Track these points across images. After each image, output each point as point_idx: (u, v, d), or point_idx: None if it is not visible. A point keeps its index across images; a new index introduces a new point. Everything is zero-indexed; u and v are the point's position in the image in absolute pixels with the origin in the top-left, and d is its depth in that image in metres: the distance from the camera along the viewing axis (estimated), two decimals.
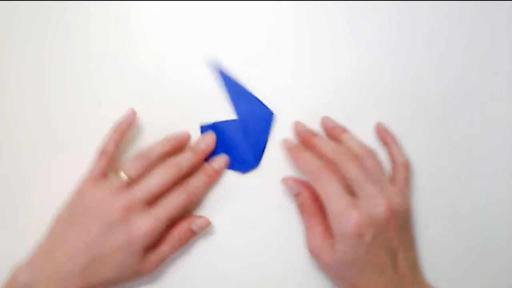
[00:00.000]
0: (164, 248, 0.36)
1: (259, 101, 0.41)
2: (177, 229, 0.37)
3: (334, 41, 0.42)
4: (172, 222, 0.37)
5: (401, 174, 0.38)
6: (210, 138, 0.39)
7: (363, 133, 0.40)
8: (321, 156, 0.37)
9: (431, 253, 0.39)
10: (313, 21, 0.42)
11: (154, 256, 0.36)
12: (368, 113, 0.41)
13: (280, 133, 0.40)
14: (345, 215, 0.33)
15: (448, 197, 0.40)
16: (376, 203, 0.34)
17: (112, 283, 0.35)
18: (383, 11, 0.43)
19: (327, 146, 0.37)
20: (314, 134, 0.39)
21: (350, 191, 0.35)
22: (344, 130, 0.39)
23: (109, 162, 0.37)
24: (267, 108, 0.40)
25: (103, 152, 0.37)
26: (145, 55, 0.42)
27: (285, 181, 0.39)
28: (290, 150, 0.39)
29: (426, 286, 0.36)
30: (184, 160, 0.38)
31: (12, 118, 0.41)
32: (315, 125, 0.40)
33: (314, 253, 0.36)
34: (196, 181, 0.38)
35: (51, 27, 0.42)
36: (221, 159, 0.39)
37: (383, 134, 0.40)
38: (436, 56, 0.42)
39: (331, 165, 0.36)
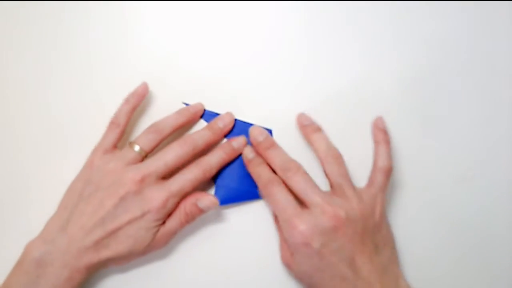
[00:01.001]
0: (172, 222, 0.36)
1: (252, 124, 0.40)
2: (184, 204, 0.36)
3: (333, 44, 0.42)
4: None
5: (379, 179, 0.37)
6: (229, 119, 0.39)
7: (361, 134, 0.40)
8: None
9: (431, 253, 0.39)
10: (312, 22, 0.43)
11: (164, 230, 0.36)
12: (366, 115, 0.40)
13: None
14: (291, 225, 0.34)
15: (448, 198, 0.40)
16: (320, 212, 0.34)
17: (123, 257, 0.35)
18: (383, 11, 0.43)
19: (275, 158, 0.37)
20: (268, 146, 0.38)
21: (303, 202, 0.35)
22: (316, 129, 0.39)
23: (121, 134, 0.37)
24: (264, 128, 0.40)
25: (115, 124, 0.37)
26: (145, 55, 0.42)
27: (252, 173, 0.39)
28: (248, 162, 0.38)
29: (402, 286, 0.36)
30: (200, 137, 0.37)
31: (13, 118, 0.41)
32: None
33: (285, 265, 0.37)
34: (213, 158, 0.37)
35: (51, 27, 0.42)
36: (241, 139, 0.39)
37: (377, 131, 0.39)
38: (436, 56, 0.42)
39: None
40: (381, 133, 0.39)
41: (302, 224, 0.33)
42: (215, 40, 0.42)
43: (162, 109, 0.40)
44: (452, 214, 0.40)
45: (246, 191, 0.39)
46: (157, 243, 0.36)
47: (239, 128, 0.40)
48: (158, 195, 0.35)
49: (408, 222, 0.40)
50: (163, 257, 0.39)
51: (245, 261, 0.39)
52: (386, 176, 0.37)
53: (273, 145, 0.38)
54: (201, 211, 0.37)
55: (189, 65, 0.42)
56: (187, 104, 0.40)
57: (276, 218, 0.38)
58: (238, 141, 0.39)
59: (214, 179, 0.39)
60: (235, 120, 0.40)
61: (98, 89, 0.41)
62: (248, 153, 0.38)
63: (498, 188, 0.40)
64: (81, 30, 0.42)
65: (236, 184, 0.39)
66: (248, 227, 0.39)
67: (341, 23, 0.42)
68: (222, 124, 0.39)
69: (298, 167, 0.36)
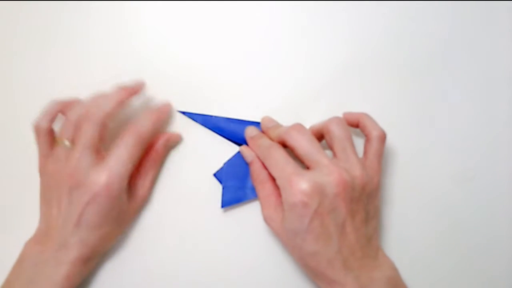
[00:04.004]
0: (145, 181, 0.38)
1: (248, 121, 0.40)
2: (148, 156, 0.38)
3: (329, 43, 0.42)
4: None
5: (374, 147, 0.36)
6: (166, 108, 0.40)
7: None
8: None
9: (431, 254, 0.39)
10: (303, 21, 0.43)
11: (139, 191, 0.38)
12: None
13: None
14: (290, 183, 0.33)
15: (448, 198, 0.40)
16: (325, 172, 0.33)
17: (113, 233, 0.37)
18: (382, 11, 0.43)
19: (282, 127, 0.37)
20: (277, 126, 0.39)
21: (305, 166, 0.35)
22: (277, 127, 0.38)
23: (50, 136, 0.37)
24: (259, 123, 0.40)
25: (40, 130, 0.37)
26: (145, 54, 0.42)
27: (241, 149, 0.39)
28: (250, 139, 0.39)
29: (383, 261, 0.35)
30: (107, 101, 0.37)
31: (13, 118, 0.41)
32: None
33: (267, 221, 0.37)
34: (143, 120, 0.37)
35: (51, 27, 0.42)
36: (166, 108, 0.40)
37: (353, 116, 0.38)
38: (436, 56, 0.42)
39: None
40: (357, 115, 0.38)
41: (304, 183, 0.33)
42: (214, 40, 0.42)
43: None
44: (452, 214, 0.40)
45: (253, 188, 0.39)
46: (137, 203, 0.38)
47: (242, 128, 0.40)
48: (99, 178, 0.34)
49: (407, 223, 0.40)
50: (162, 257, 0.39)
51: (245, 260, 0.39)
52: (382, 143, 0.37)
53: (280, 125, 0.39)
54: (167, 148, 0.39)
55: (189, 65, 0.42)
56: (183, 112, 0.41)
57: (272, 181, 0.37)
58: (164, 109, 0.40)
59: (220, 180, 0.39)
60: (238, 120, 0.40)
61: (99, 88, 0.41)
62: (251, 132, 0.39)
63: (498, 189, 0.40)
64: (81, 30, 0.42)
65: (243, 182, 0.39)
66: (248, 227, 0.39)
67: (335, 22, 0.43)
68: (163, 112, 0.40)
69: (305, 130, 0.36)
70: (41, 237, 0.36)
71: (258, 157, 0.38)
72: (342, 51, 0.42)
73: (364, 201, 0.35)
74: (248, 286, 0.38)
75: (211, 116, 0.41)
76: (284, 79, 0.42)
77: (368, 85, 0.42)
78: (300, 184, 0.33)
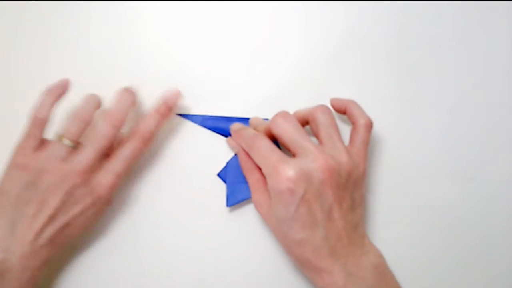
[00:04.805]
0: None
1: (246, 118, 0.41)
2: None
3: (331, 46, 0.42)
4: None
5: (361, 135, 0.36)
6: (174, 95, 0.39)
7: None
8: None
9: (430, 255, 0.39)
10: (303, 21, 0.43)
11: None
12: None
13: None
14: (276, 171, 0.33)
15: (448, 199, 0.40)
16: (311, 159, 0.33)
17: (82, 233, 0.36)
18: (382, 12, 0.43)
19: (262, 125, 0.38)
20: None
21: (291, 155, 0.35)
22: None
23: (44, 130, 0.35)
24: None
25: (38, 118, 0.35)
26: (145, 54, 0.42)
27: (227, 141, 0.40)
28: (234, 133, 0.39)
29: (369, 248, 0.35)
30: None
31: (13, 118, 0.41)
32: None
33: (256, 207, 0.37)
34: (150, 123, 0.37)
35: (50, 27, 0.43)
36: (173, 94, 0.38)
37: (341, 103, 0.38)
38: (436, 56, 0.42)
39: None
40: (343, 100, 0.38)
41: (290, 170, 0.32)
42: (214, 40, 0.42)
43: None
44: (452, 215, 0.40)
45: None
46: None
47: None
48: (105, 180, 0.35)
49: (407, 223, 0.40)
50: (161, 256, 0.39)
51: (246, 261, 0.39)
52: (368, 131, 0.37)
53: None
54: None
55: (189, 65, 0.42)
56: (181, 115, 0.41)
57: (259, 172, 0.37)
58: (172, 99, 0.38)
59: (224, 179, 0.39)
60: (231, 118, 0.40)
61: (100, 88, 0.41)
62: (235, 126, 0.39)
63: (498, 190, 0.40)
64: (81, 30, 0.42)
65: (245, 182, 0.39)
66: (253, 228, 0.39)
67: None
68: (172, 103, 0.38)
69: (291, 117, 0.35)
70: (2, 243, 0.33)
71: (243, 149, 0.38)
72: (332, 38, 0.42)
73: (351, 188, 0.34)
74: (251, 286, 0.38)
75: (210, 116, 0.41)
76: (276, 70, 0.42)
77: (375, 88, 0.42)
78: (286, 171, 0.32)
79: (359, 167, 0.35)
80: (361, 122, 0.36)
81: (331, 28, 0.42)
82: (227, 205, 0.39)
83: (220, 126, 0.40)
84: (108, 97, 0.40)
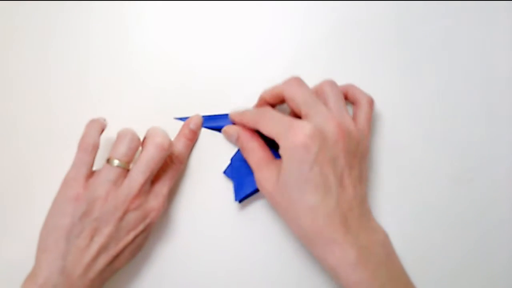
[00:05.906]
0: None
1: None
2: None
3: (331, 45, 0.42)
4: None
5: (364, 110, 0.37)
6: (198, 119, 0.40)
7: None
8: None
9: (430, 255, 0.39)
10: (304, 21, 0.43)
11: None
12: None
13: None
14: (293, 127, 0.32)
15: (447, 200, 0.40)
16: (326, 119, 0.33)
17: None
18: (382, 12, 0.43)
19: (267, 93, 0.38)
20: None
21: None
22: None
23: (95, 156, 0.35)
24: None
25: (88, 145, 0.34)
26: (145, 54, 0.42)
27: (224, 130, 0.39)
28: (234, 118, 0.39)
29: (376, 224, 0.35)
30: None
31: (13, 118, 0.41)
32: None
33: (261, 184, 0.36)
34: (181, 149, 0.38)
35: (50, 27, 0.42)
36: (195, 118, 0.40)
37: (340, 89, 0.37)
38: (436, 56, 0.42)
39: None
40: (342, 86, 0.38)
41: (306, 125, 0.32)
42: (213, 40, 0.42)
43: (163, 109, 0.41)
44: (451, 216, 0.40)
45: None
46: None
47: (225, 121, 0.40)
48: (156, 204, 0.35)
49: (407, 224, 0.40)
50: (164, 256, 0.39)
51: (246, 260, 0.39)
52: (371, 107, 0.37)
53: None
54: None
55: (189, 64, 0.42)
56: (180, 119, 0.40)
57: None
58: (193, 121, 0.39)
59: (230, 176, 0.39)
60: (224, 115, 0.40)
61: (100, 88, 0.41)
62: (234, 112, 0.39)
63: (497, 190, 0.40)
64: (81, 30, 0.42)
65: (251, 174, 0.38)
66: (263, 226, 0.39)
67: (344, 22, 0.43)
68: (194, 126, 0.39)
69: (304, 82, 0.36)
70: (51, 281, 0.31)
71: (244, 129, 0.38)
72: (332, 38, 0.42)
73: (359, 157, 0.34)
74: (262, 284, 0.39)
75: (209, 116, 0.41)
76: (276, 70, 0.41)
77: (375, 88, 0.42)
78: (302, 126, 0.32)
79: (364, 140, 0.35)
80: (363, 99, 0.37)
81: (331, 28, 0.42)
82: (236, 200, 0.38)
83: (220, 124, 0.40)
84: (109, 97, 0.40)
